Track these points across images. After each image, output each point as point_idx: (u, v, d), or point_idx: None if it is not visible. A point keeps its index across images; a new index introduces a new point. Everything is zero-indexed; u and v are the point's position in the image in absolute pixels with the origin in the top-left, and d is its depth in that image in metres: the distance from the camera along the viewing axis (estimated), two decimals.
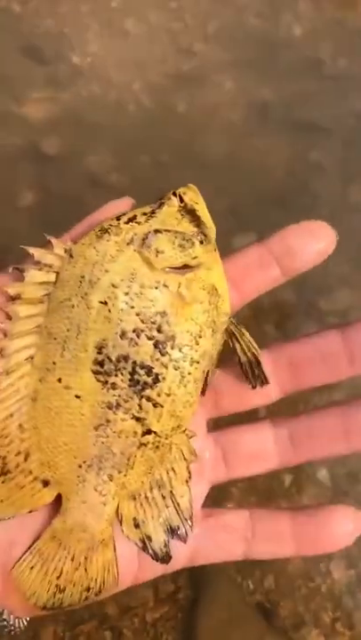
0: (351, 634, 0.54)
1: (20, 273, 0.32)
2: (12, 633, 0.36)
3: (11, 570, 0.32)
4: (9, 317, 0.32)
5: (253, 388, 0.34)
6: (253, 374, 0.34)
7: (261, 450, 0.36)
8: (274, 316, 0.67)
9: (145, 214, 0.33)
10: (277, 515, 0.35)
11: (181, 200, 0.35)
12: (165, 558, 0.33)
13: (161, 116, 0.78)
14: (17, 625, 0.35)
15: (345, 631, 0.54)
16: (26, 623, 0.35)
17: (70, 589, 0.33)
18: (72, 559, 0.33)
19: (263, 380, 0.34)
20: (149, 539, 0.34)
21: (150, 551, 0.34)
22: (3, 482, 0.33)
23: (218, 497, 0.59)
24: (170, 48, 0.80)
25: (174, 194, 0.35)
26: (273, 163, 0.76)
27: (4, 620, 0.34)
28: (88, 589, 0.33)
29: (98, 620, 0.55)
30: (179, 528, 0.33)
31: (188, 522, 0.34)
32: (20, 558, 0.32)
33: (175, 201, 0.35)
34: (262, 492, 0.59)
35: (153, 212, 0.33)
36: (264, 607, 0.55)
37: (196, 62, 0.80)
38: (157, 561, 0.33)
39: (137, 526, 0.34)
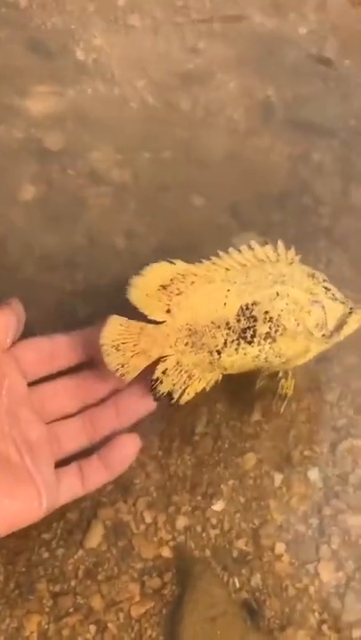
0: (338, 636, 0.53)
1: None
2: None
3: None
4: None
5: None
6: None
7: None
8: None
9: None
10: (91, 460, 0.54)
11: None
12: (156, 399, 0.54)
13: (164, 114, 0.78)
14: None
15: (331, 634, 0.53)
16: None
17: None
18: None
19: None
20: (160, 382, 0.53)
21: (154, 391, 0.54)
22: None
23: (207, 493, 0.59)
24: (175, 46, 0.81)
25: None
26: (275, 162, 0.76)
27: None
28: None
29: (83, 613, 0.55)
30: (175, 396, 0.54)
31: (177, 400, 0.54)
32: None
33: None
34: (252, 490, 0.59)
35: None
36: (250, 606, 0.55)
37: (201, 60, 0.80)
38: (153, 396, 0.54)
39: (164, 373, 0.54)
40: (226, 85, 0.79)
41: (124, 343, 0.52)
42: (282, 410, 0.59)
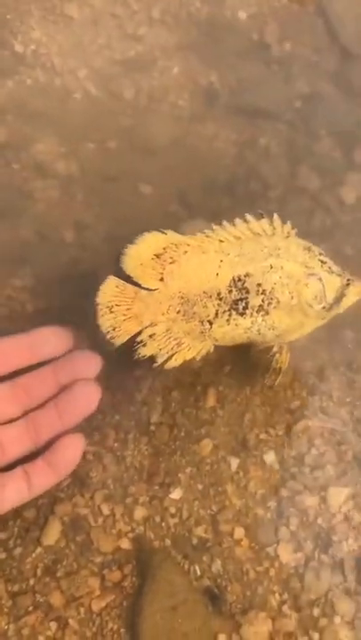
0: (298, 616, 0.53)
1: None
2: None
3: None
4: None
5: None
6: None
7: None
8: None
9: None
10: (36, 463, 0.53)
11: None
12: (138, 357, 0.55)
13: (107, 103, 0.77)
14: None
15: (292, 613, 0.54)
16: None
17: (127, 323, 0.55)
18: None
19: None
20: (144, 346, 0.54)
21: (135, 352, 0.54)
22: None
23: (165, 482, 0.59)
24: (115, 34, 0.79)
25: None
26: (221, 148, 0.76)
27: None
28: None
29: (43, 611, 0.54)
30: (158, 360, 0.55)
31: (161, 364, 0.55)
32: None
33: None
34: (209, 476, 0.59)
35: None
36: (211, 592, 0.55)
37: (142, 48, 0.79)
38: (135, 354, 0.54)
39: (151, 337, 0.55)
40: (168, 72, 0.78)
41: (117, 305, 0.53)
42: (275, 383, 0.59)
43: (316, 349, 0.64)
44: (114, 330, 0.54)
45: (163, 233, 0.56)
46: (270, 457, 0.60)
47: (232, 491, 0.58)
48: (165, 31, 0.80)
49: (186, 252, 0.55)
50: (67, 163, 0.74)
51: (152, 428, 0.61)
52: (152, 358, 0.55)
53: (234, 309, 0.54)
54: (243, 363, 0.64)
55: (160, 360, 0.55)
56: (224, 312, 0.54)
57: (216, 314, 0.54)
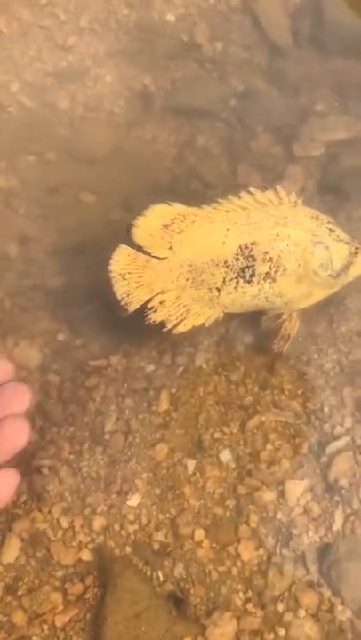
0: (263, 613, 0.53)
1: None
2: None
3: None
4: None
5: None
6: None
7: None
8: None
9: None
10: None
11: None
12: (149, 322, 0.57)
13: (43, 115, 0.77)
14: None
15: (257, 611, 0.53)
16: None
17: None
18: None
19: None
20: (155, 312, 0.56)
21: (146, 317, 0.56)
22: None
23: (122, 489, 0.58)
24: (45, 45, 0.79)
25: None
26: (160, 150, 0.76)
27: None
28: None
29: (5, 631, 0.53)
30: (168, 326, 0.57)
31: (170, 329, 0.57)
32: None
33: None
34: (167, 480, 0.58)
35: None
36: (176, 597, 0.54)
37: (74, 57, 0.79)
38: (145, 318, 0.56)
39: (161, 303, 0.57)
40: (102, 79, 0.78)
41: (130, 273, 0.56)
42: (284, 350, 0.60)
43: (265, 343, 0.64)
44: (128, 296, 0.56)
45: (170, 205, 0.58)
46: (226, 455, 0.59)
47: (190, 493, 0.58)
48: (95, 39, 0.80)
49: (193, 222, 0.56)
50: (6, 177, 0.74)
51: (107, 436, 0.61)
52: (162, 324, 0.57)
53: (241, 277, 0.56)
54: (195, 363, 0.64)
55: (169, 325, 0.57)
56: (231, 279, 0.56)
57: (223, 281, 0.56)
